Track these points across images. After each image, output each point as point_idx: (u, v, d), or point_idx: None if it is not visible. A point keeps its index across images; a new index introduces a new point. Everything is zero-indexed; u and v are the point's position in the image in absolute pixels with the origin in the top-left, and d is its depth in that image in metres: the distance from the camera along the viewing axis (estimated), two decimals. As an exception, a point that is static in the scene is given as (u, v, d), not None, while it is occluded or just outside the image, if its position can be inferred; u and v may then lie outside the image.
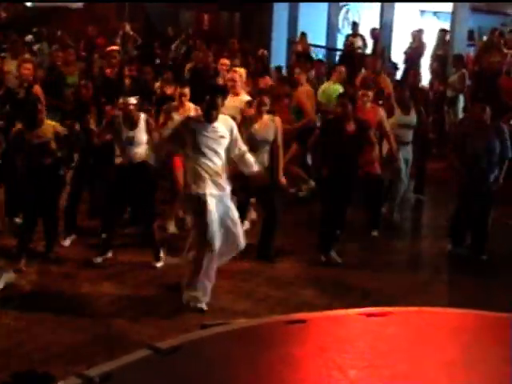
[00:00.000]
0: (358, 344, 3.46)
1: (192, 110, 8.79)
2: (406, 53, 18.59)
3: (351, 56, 17.39)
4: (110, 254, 8.13)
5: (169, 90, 10.31)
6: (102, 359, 4.62)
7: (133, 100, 8.03)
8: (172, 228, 9.12)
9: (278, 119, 8.37)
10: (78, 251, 8.37)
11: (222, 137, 6.96)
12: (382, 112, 9.54)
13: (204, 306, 6.93)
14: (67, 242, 8.54)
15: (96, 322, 6.62)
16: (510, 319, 3.91)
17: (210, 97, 6.93)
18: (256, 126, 8.24)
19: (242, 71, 9.97)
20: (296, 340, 3.54)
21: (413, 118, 10.17)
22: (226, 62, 11.67)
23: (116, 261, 8.11)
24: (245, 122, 8.21)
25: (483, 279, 8.29)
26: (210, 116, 6.91)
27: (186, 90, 8.98)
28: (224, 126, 7.01)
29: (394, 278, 8.17)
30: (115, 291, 7.34)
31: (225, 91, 7.53)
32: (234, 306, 7.11)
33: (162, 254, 8.13)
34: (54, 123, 7.99)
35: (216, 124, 6.94)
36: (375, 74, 12.68)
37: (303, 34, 18.66)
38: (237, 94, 9.47)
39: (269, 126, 8.28)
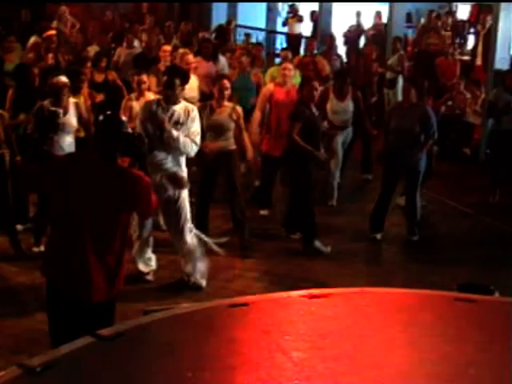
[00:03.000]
0: (300, 326, 3.48)
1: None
2: (345, 35, 18.76)
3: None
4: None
5: (99, 78, 10.31)
6: (44, 348, 4.57)
7: (64, 79, 7.83)
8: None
9: (238, 108, 8.26)
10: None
11: (177, 123, 6.90)
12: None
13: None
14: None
15: (38, 311, 6.53)
16: (450, 297, 3.98)
17: (168, 78, 6.93)
18: (217, 112, 8.09)
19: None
20: (239, 323, 3.55)
21: (348, 104, 10.23)
22: (168, 48, 11.58)
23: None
24: (205, 109, 8.06)
25: (429, 260, 8.42)
26: (166, 98, 6.91)
27: (144, 77, 8.71)
28: (182, 112, 6.95)
29: (330, 262, 8.23)
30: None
31: (184, 74, 7.36)
32: (177, 293, 7.09)
33: None
34: None
35: (175, 108, 6.91)
36: (312, 55, 12.79)
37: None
38: None
39: (229, 114, 8.12)
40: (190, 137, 6.97)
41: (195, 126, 7.04)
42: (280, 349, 3.19)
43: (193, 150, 7.03)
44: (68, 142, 7.79)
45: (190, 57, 9.71)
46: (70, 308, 4.73)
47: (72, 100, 7.94)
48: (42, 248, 7.86)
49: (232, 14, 20.03)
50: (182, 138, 6.91)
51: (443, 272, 7.79)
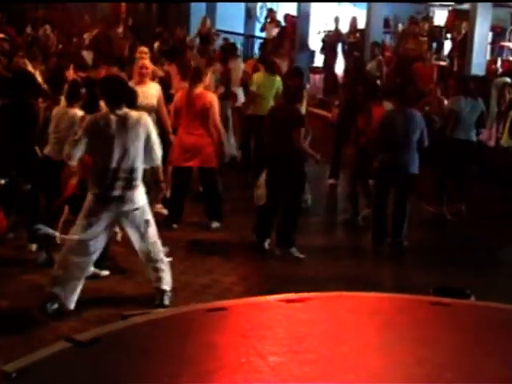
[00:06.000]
0: (277, 330, 3.50)
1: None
2: (323, 40, 18.85)
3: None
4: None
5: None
6: (20, 354, 4.55)
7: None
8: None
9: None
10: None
11: (134, 133, 6.46)
12: (214, 98, 9.02)
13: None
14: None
15: (14, 316, 6.51)
16: (425, 301, 4.01)
17: (113, 88, 6.59)
18: None
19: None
20: (217, 328, 3.56)
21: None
22: (145, 49, 11.51)
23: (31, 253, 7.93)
24: None
25: (405, 265, 8.47)
26: (112, 108, 6.47)
27: None
28: (136, 120, 6.50)
29: (313, 264, 8.26)
30: (32, 283, 7.20)
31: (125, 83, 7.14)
32: (154, 297, 7.06)
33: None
34: None
35: (127, 117, 6.48)
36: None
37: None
38: (145, 82, 9.09)
39: None
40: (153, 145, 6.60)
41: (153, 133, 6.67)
42: (257, 353, 3.21)
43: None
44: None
45: (147, 62, 9.46)
46: None
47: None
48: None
49: (210, 19, 20.05)
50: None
51: (419, 276, 7.83)
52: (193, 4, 21.34)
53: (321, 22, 20.44)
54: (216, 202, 9.15)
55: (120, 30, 16.17)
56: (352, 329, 3.55)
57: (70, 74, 10.20)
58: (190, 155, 8.81)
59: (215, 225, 9.10)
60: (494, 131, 13.45)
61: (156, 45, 15.43)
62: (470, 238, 9.67)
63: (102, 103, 7.58)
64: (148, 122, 6.62)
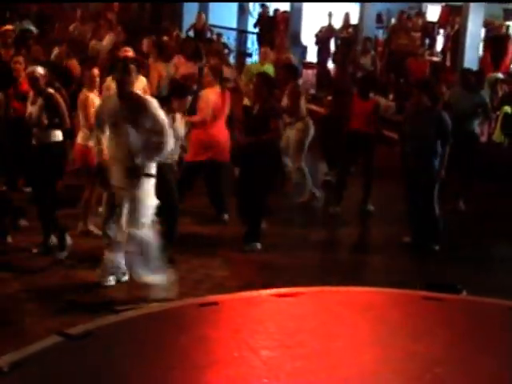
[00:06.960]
0: (269, 324, 3.51)
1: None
2: (316, 35, 18.84)
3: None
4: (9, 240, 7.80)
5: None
6: (12, 349, 4.55)
7: (40, 69, 7.72)
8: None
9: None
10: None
11: (134, 115, 6.53)
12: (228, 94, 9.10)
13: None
14: None
15: (6, 311, 6.50)
16: (418, 296, 4.02)
17: (120, 71, 6.66)
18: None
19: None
20: (209, 322, 3.57)
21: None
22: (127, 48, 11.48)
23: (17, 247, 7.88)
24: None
25: (398, 260, 8.48)
26: (120, 91, 6.59)
27: (95, 71, 8.52)
28: (139, 105, 6.58)
29: (307, 257, 8.26)
30: (21, 280, 7.18)
31: (137, 64, 7.27)
32: (147, 291, 7.06)
33: (68, 242, 7.80)
34: None
35: (130, 101, 6.56)
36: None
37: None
38: None
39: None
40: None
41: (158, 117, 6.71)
42: (249, 347, 3.21)
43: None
44: (38, 135, 7.66)
45: (130, 54, 9.45)
46: None
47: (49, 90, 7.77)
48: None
49: (203, 14, 20.03)
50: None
51: (412, 271, 7.84)
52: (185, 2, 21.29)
53: (313, 18, 20.41)
54: (222, 195, 9.27)
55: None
56: (344, 323, 3.56)
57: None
58: (206, 149, 8.63)
59: (226, 216, 9.15)
60: (486, 127, 13.46)
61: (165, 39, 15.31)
62: (464, 232, 9.68)
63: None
64: None
